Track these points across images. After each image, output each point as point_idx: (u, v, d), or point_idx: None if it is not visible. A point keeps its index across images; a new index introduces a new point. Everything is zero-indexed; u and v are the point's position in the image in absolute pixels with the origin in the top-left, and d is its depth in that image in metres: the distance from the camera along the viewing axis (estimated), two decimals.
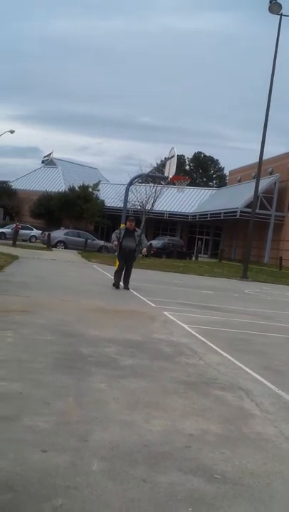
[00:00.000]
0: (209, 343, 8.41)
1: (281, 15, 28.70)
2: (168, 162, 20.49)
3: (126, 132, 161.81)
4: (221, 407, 5.15)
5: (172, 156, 19.88)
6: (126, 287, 15.45)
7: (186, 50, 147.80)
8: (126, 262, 15.69)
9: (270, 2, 28.71)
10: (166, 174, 20.68)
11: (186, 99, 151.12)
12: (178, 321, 10.37)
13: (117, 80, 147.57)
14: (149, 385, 5.62)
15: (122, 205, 41.57)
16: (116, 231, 16.32)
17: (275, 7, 28.71)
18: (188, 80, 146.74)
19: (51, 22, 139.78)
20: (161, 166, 22.88)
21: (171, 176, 20.11)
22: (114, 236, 16.18)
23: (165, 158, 21.11)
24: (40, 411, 4.43)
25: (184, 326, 9.92)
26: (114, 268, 16.86)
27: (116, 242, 15.89)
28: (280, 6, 28.59)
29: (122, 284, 15.66)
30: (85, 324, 8.93)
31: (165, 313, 11.28)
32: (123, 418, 4.49)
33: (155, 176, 32.15)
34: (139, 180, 38.31)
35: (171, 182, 22.97)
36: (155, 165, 34.05)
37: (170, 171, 19.92)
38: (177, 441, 4.10)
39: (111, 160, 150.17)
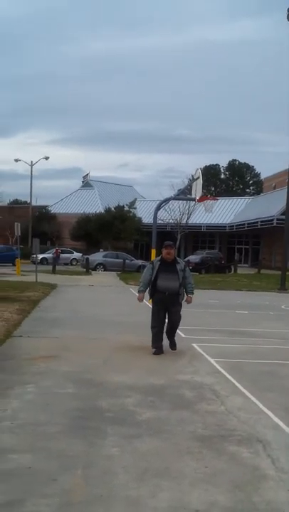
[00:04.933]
0: (234, 382, 8.28)
1: None
2: (194, 183, 20.40)
3: (163, 146, 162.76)
4: (234, 468, 5.03)
5: (198, 178, 19.77)
6: (173, 347, 10.64)
7: (219, 60, 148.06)
8: (167, 311, 10.59)
9: None
10: (192, 196, 20.60)
11: (220, 108, 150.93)
12: (205, 355, 10.25)
13: (151, 95, 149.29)
14: (163, 444, 5.54)
15: (160, 222, 41.65)
16: (148, 266, 10.88)
17: None
18: (219, 89, 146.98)
19: (88, 44, 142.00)
20: (189, 186, 22.73)
21: (198, 198, 20.01)
22: (143, 278, 10.70)
23: (191, 178, 21.10)
24: (45, 491, 4.39)
25: (211, 360, 9.80)
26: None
27: (142, 294, 10.67)
28: None
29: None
30: (110, 368, 8.90)
31: (194, 345, 11.15)
32: (129, 494, 4.41)
33: (182, 199, 32.09)
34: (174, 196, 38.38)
35: (199, 202, 22.88)
36: (187, 181, 34.20)
37: (196, 192, 19.82)
38: None
39: (151, 174, 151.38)
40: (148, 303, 10.87)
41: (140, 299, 10.74)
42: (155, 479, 4.70)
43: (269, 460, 5.27)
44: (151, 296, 10.75)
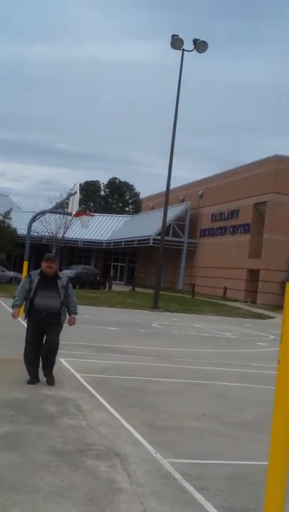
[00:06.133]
0: (98, 397, 8.31)
1: (183, 50, 29.51)
2: (71, 198, 20.45)
3: (44, 158, 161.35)
4: (89, 481, 5.03)
5: (75, 193, 19.84)
6: (50, 381, 8.94)
7: (104, 77, 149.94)
8: (44, 333, 9.01)
9: (172, 37, 29.42)
10: (69, 210, 20.63)
11: (104, 126, 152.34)
12: (72, 370, 10.22)
13: (34, 106, 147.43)
14: (20, 459, 5.44)
15: (35, 234, 41.04)
16: (25, 279, 9.39)
17: (177, 42, 29.48)
18: (105, 107, 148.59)
19: None
20: (66, 201, 22.75)
21: (74, 213, 20.06)
22: (18, 291, 9.20)
23: (68, 193, 21.18)
24: None
25: (77, 375, 9.79)
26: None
27: (16, 309, 9.10)
28: (181, 41, 29.38)
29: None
30: None
31: (61, 360, 10.99)
32: None
33: (58, 213, 32.05)
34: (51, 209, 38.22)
35: (75, 217, 22.93)
36: (65, 195, 34.17)
37: (73, 207, 19.88)
38: None
39: (30, 185, 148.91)
40: (23, 321, 9.62)
41: (15, 314, 9.14)
42: (8, 493, 4.60)
43: (125, 474, 5.31)
44: (27, 316, 9.12)
